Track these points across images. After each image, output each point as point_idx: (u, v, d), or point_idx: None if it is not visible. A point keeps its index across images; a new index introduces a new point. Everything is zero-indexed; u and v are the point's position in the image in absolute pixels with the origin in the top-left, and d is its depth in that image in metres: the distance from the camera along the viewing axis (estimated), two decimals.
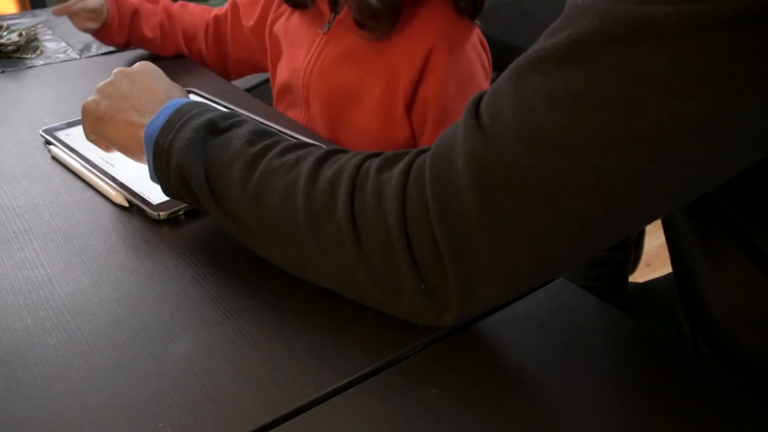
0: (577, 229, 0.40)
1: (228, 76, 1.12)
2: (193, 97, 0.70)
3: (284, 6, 0.97)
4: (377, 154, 0.48)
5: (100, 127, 0.61)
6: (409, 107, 0.86)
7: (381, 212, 0.44)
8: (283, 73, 0.97)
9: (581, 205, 0.39)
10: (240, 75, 1.15)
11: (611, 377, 0.46)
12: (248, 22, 1.04)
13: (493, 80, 0.82)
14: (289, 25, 0.96)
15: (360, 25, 0.82)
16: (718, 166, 0.38)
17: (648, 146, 0.36)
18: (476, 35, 0.87)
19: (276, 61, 1.00)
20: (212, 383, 0.45)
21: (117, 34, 1.02)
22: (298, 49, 0.93)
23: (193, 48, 1.08)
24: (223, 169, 0.51)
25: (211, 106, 0.56)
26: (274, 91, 1.01)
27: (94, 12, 1.00)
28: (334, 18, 0.88)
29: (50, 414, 0.43)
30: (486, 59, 0.88)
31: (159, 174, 0.56)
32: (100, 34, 1.03)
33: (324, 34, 0.89)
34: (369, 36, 0.83)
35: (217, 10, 1.08)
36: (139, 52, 1.10)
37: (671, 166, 0.37)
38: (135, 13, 1.02)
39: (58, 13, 0.99)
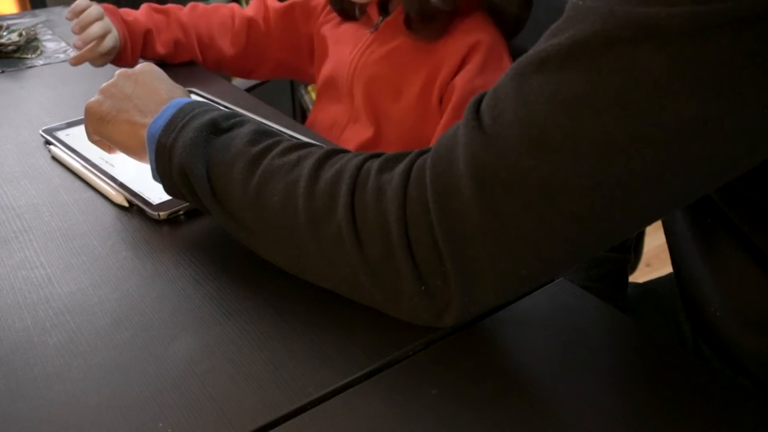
0: (578, 231, 0.40)
1: (254, 76, 1.13)
2: (194, 98, 0.71)
3: (334, 12, 1.01)
4: (378, 155, 0.48)
5: (103, 128, 0.61)
6: (442, 98, 0.90)
7: (382, 213, 0.44)
8: (327, 68, 1.00)
9: (582, 206, 0.39)
10: (272, 76, 1.16)
11: (611, 377, 0.46)
12: (305, 25, 1.06)
13: None
14: (338, 28, 1.00)
15: (412, 25, 0.87)
16: (720, 168, 0.38)
17: (649, 148, 0.36)
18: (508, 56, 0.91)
19: (321, 61, 1.03)
20: (212, 383, 0.45)
21: (131, 57, 1.00)
22: (345, 46, 0.97)
23: (209, 54, 1.06)
24: (224, 169, 0.51)
25: (213, 106, 0.57)
26: (318, 86, 1.04)
27: (110, 50, 0.97)
28: (383, 20, 0.92)
29: (50, 414, 0.43)
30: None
31: (161, 173, 0.56)
32: (114, 60, 1.00)
33: (372, 33, 0.93)
34: (417, 37, 0.88)
35: (251, 12, 1.06)
36: None
37: (673, 168, 0.37)
38: (147, 33, 1.00)
39: (75, 63, 0.95)
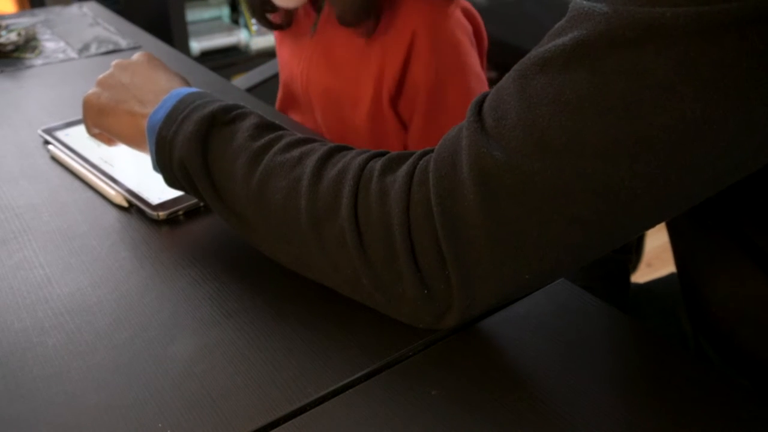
0: (582, 234, 0.40)
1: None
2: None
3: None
4: (382, 154, 0.48)
5: (102, 119, 0.61)
6: (395, 99, 0.84)
7: (385, 216, 0.44)
8: (283, 78, 0.97)
9: (586, 210, 0.39)
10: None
11: (612, 377, 0.46)
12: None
13: (493, 81, 0.81)
14: (284, 41, 0.96)
15: (344, 22, 0.80)
16: (724, 170, 0.38)
17: (654, 150, 0.36)
18: (459, 7, 0.83)
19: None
20: (212, 383, 0.45)
21: None
22: (291, 57, 0.93)
23: None
24: (225, 164, 0.51)
25: (215, 97, 0.56)
26: (279, 96, 1.01)
27: None
28: (318, 17, 0.86)
29: (50, 414, 0.43)
30: (470, 29, 0.85)
31: (161, 166, 0.55)
32: None
33: (312, 37, 0.88)
34: (355, 33, 0.82)
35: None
36: (141, 51, 1.10)
37: (677, 170, 0.37)
38: None
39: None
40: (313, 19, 0.88)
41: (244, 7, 2.38)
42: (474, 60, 0.84)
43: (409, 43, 0.80)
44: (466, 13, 0.86)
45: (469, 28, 0.85)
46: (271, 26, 0.91)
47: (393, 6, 0.81)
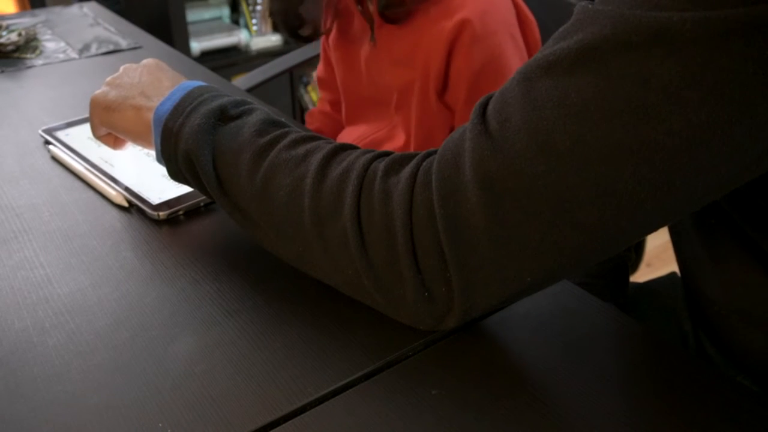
0: (585, 238, 0.40)
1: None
2: None
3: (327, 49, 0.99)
4: (386, 154, 0.48)
5: (109, 116, 0.61)
6: (442, 92, 0.87)
7: (387, 217, 0.44)
8: (348, 92, 1.00)
9: (590, 214, 0.38)
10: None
11: (612, 377, 0.46)
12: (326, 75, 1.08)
13: None
14: (336, 53, 0.98)
15: (387, 16, 0.83)
16: (728, 175, 0.37)
17: (659, 155, 0.36)
18: (505, 9, 0.85)
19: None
20: (212, 383, 0.45)
21: None
22: (350, 70, 0.96)
23: None
24: (231, 159, 0.51)
25: (223, 92, 0.56)
26: (346, 108, 1.04)
27: None
28: (373, 25, 0.88)
29: (50, 414, 0.43)
30: (517, 30, 0.87)
31: (166, 157, 0.55)
32: None
33: (373, 45, 0.90)
34: (395, 23, 0.84)
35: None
36: (141, 51, 1.10)
37: (681, 175, 0.36)
38: None
39: None
40: (365, 25, 0.90)
41: (244, 7, 2.38)
42: (513, 55, 0.86)
43: (454, 34, 0.82)
44: (520, 10, 0.88)
45: (514, 27, 0.87)
46: (300, 39, 0.94)
47: (438, 2, 0.83)
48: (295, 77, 2.22)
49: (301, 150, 0.49)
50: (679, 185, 0.37)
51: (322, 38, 1.03)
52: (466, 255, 0.42)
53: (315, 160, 0.48)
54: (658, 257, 1.79)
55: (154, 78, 0.61)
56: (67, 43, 1.15)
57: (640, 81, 0.35)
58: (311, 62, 1.33)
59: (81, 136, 0.78)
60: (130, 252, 0.59)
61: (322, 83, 1.12)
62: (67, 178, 0.72)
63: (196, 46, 2.23)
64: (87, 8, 1.36)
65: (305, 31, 0.93)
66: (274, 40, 2.38)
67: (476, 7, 0.82)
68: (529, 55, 0.89)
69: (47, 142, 0.78)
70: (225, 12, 2.42)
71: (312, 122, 1.15)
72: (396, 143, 0.95)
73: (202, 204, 0.65)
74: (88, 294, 0.54)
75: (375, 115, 0.98)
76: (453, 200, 0.41)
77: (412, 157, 0.46)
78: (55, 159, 0.75)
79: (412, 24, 0.86)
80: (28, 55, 1.09)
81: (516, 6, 0.88)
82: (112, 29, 1.22)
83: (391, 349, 0.48)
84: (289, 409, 0.43)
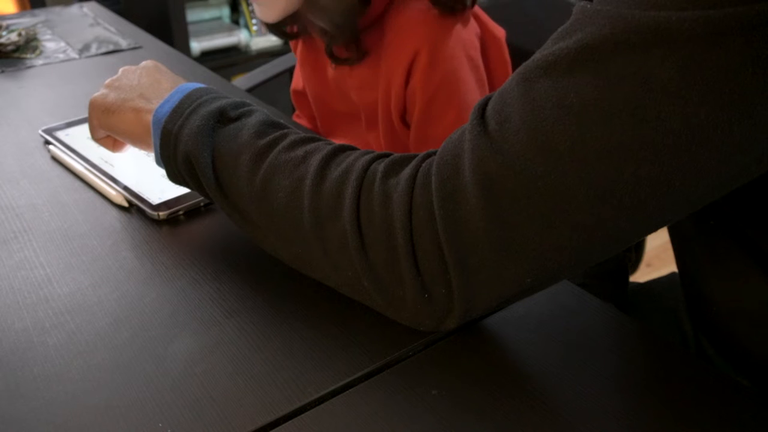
0: (585, 239, 0.40)
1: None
2: None
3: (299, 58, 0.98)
4: (386, 155, 0.48)
5: (108, 119, 0.61)
6: (404, 113, 0.86)
7: (387, 219, 0.44)
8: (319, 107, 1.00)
9: (589, 214, 0.38)
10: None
11: (612, 377, 0.46)
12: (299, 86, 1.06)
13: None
14: (305, 67, 0.98)
15: (329, 55, 0.82)
16: (728, 175, 0.37)
17: (658, 155, 0.35)
18: (464, 31, 0.84)
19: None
20: (212, 383, 0.45)
21: None
22: (321, 86, 0.95)
23: None
24: (230, 160, 0.51)
25: (222, 93, 0.56)
26: (321, 127, 1.03)
27: None
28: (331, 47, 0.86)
29: (50, 414, 0.43)
30: (476, 51, 0.85)
31: (165, 159, 0.55)
32: None
33: (334, 68, 0.89)
34: (343, 63, 0.84)
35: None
36: (141, 51, 1.10)
37: (681, 175, 0.36)
38: None
39: None
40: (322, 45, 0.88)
41: (244, 7, 2.38)
42: (469, 77, 0.84)
43: (411, 61, 0.81)
44: (484, 34, 0.87)
45: (475, 42, 0.85)
46: (286, 36, 0.92)
47: (393, 24, 0.82)
48: None
49: (300, 151, 0.49)
50: (678, 185, 0.37)
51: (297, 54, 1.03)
52: (466, 256, 0.42)
53: (314, 161, 0.48)
54: (658, 257, 1.79)
55: (153, 80, 0.61)
56: (67, 43, 1.15)
57: (640, 81, 0.35)
58: None
59: (81, 136, 0.78)
60: (130, 252, 0.59)
61: (299, 98, 1.09)
62: (67, 178, 0.72)
63: (196, 46, 2.23)
64: (87, 8, 1.36)
65: (291, 29, 0.93)
66: (274, 40, 2.38)
67: (432, 36, 0.80)
68: (493, 73, 0.88)
69: (47, 142, 0.78)
70: (225, 12, 2.42)
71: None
72: None
73: (202, 204, 0.65)
74: (88, 294, 0.54)
75: (349, 129, 0.98)
76: (453, 201, 0.41)
77: (411, 158, 0.46)
78: (55, 159, 0.75)
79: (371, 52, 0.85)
80: (28, 55, 1.09)
81: (482, 25, 0.87)
82: (112, 29, 1.22)
83: (391, 349, 0.48)
84: (289, 409, 0.43)
